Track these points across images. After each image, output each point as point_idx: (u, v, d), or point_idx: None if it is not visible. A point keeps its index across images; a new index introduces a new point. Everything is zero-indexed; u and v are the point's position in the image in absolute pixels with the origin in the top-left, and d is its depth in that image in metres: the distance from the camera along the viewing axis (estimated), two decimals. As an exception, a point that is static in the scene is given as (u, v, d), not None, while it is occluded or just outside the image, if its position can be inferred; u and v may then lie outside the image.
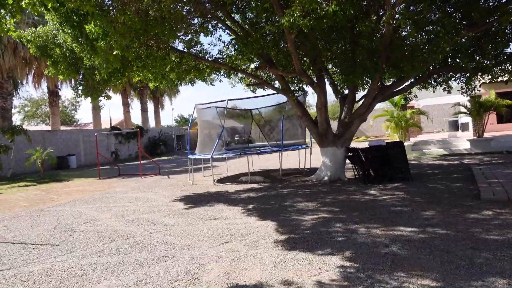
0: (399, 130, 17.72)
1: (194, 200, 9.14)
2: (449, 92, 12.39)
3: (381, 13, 8.35)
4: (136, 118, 72.11)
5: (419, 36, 7.15)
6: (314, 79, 9.65)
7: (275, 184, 10.83)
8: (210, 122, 15.40)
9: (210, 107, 14.51)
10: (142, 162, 23.75)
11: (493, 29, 8.17)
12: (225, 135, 14.63)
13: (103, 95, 10.37)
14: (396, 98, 15.47)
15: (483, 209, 6.23)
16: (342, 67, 7.71)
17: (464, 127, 23.72)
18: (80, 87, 10.10)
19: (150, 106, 40.30)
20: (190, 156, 13.11)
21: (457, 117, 29.80)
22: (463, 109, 17.58)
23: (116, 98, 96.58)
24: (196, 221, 6.94)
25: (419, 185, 8.93)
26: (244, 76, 11.47)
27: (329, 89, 11.31)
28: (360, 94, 11.48)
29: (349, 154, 10.69)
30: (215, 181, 12.66)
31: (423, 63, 7.60)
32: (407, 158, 9.91)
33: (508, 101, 16.03)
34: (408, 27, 6.03)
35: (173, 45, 10.35)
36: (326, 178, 10.46)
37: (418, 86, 10.99)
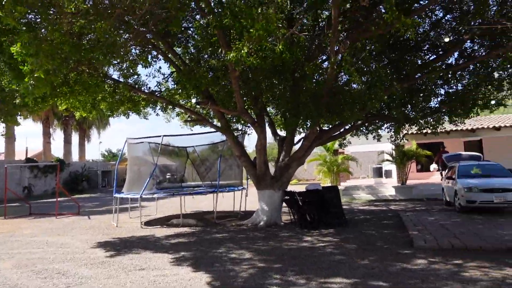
0: (331, 175, 18.26)
1: (118, 246, 8.12)
2: (378, 140, 13.10)
3: (324, 58, 8.63)
4: (58, 150, 66.49)
5: (358, 84, 7.45)
6: (255, 119, 9.52)
7: (209, 228, 10.17)
8: (141, 158, 14.43)
9: (142, 142, 13.64)
10: (60, 199, 21.41)
11: (420, 84, 8.87)
12: (157, 173, 13.74)
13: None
14: (329, 143, 16.02)
15: (418, 258, 6.26)
16: (285, 108, 7.67)
17: (388, 174, 25.27)
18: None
19: (75, 138, 37.46)
20: (116, 195, 11.97)
21: (381, 164, 32.02)
22: (388, 157, 18.74)
23: (37, 127, 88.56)
24: (118, 272, 6.04)
25: (354, 231, 8.94)
26: (182, 111, 11.00)
27: (268, 131, 11.26)
28: (297, 136, 11.60)
29: (286, 197, 10.52)
30: (143, 223, 11.60)
31: (362, 110, 7.85)
32: (341, 203, 9.99)
33: (427, 151, 17.44)
34: (350, 75, 6.22)
35: (107, 73, 9.64)
36: (262, 222, 10.09)
37: (352, 132, 11.42)
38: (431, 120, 10.46)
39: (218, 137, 13.16)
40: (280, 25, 6.64)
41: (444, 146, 17.95)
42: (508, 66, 9.11)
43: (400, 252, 6.75)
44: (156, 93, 10.14)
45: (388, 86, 7.23)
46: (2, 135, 25.29)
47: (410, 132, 16.85)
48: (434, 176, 20.34)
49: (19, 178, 25.68)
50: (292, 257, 6.60)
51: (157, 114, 11.18)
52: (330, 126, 9.73)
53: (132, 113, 13.31)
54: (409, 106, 9.56)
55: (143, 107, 11.17)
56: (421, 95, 8.94)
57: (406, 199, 16.30)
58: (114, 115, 12.65)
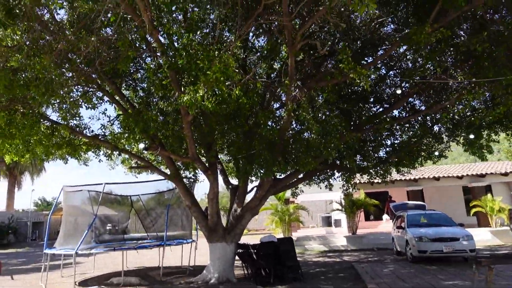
0: (282, 225, 17.86)
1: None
2: (330, 189, 13.10)
3: (277, 106, 8.54)
4: (-18, 198, 60.02)
5: (310, 133, 7.43)
6: (207, 166, 9.03)
7: (157, 287, 9.13)
8: (79, 207, 13.09)
9: (81, 190, 12.44)
10: (-23, 256, 18.66)
11: (370, 134, 9.10)
12: (97, 224, 12.47)
13: None
14: (280, 192, 15.80)
15: (381, 315, 5.90)
16: (239, 156, 7.33)
17: (337, 223, 25.42)
18: None
19: (4, 184, 33.95)
20: (47, 251, 10.54)
21: (329, 213, 32.32)
22: (338, 206, 18.85)
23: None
24: None
25: (311, 286, 8.45)
26: (128, 157, 10.25)
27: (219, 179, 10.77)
28: (250, 185, 11.18)
29: (239, 250, 9.88)
30: (77, 283, 10.20)
31: (317, 158, 7.73)
32: (296, 256, 9.55)
33: (375, 200, 17.82)
34: (306, 122, 6.13)
35: (44, 113, 8.79)
36: (213, 279, 9.27)
37: (304, 182, 11.29)
38: (380, 170, 10.68)
39: (165, 185, 12.40)
40: (237, 70, 6.50)
41: (390, 196, 18.53)
42: (448, 119, 9.69)
43: (362, 309, 6.36)
44: (100, 137, 9.39)
45: (341, 135, 7.26)
46: None
47: (359, 181, 17.22)
48: (382, 225, 20.71)
49: None
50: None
51: (100, 161, 10.31)
52: (284, 175, 9.52)
53: (71, 157, 12.27)
54: (360, 156, 9.72)
55: (83, 152, 10.26)
56: (371, 145, 9.15)
57: (357, 249, 16.23)
58: (50, 160, 11.54)
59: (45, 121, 8.97)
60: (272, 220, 18.19)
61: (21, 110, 8.17)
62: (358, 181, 17.39)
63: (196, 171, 10.83)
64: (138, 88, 9.78)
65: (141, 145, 7.78)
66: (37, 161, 31.73)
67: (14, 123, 7.95)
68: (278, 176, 9.29)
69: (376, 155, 10.45)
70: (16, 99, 7.48)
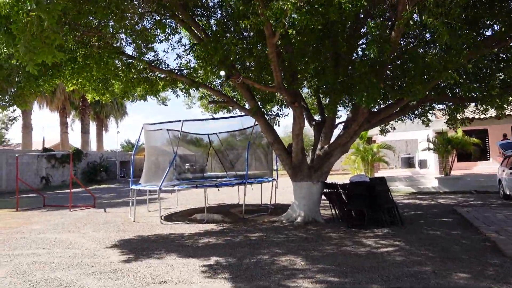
0: (364, 165, 16.67)
1: (134, 248, 6.88)
2: (427, 125, 11.46)
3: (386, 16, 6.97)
4: (76, 140, 66.72)
5: (427, 48, 5.93)
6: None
7: (239, 225, 8.85)
8: (159, 147, 13.22)
9: (161, 129, 12.38)
10: (77, 190, 20.58)
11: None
12: (177, 162, 12.50)
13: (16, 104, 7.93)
14: (374, 127, 14.37)
15: (520, 272, 4.76)
16: (334, 82, 6.13)
17: (423, 164, 23.45)
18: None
19: (93, 128, 36.82)
20: (133, 187, 10.79)
21: (409, 153, 30.02)
22: (425, 145, 16.96)
23: (54, 117, 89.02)
24: (133, 286, 4.77)
25: (413, 231, 7.44)
26: (207, 92, 9.62)
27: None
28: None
29: (326, 190, 9.10)
30: (163, 218, 10.40)
31: (431, 83, 6.24)
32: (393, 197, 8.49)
33: (475, 139, 15.65)
34: (434, 31, 4.70)
35: (119, 48, 8.34)
36: (299, 219, 8.70)
37: (399, 116, 9.81)
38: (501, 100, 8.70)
39: (243, 122, 11.79)
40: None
41: (505, 134, 16.11)
42: None
43: (489, 261, 5.25)
44: (176, 71, 8.79)
45: (470, 51, 5.65)
46: (10, 119, 24.71)
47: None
48: (478, 167, 18.50)
49: (36, 169, 25.04)
50: (355, 267, 5.18)
51: (177, 96, 9.83)
52: (382, 106, 8.19)
53: (149, 96, 12.08)
54: (478, 81, 7.85)
55: (161, 89, 9.84)
56: (500, 66, 7.18)
57: (452, 191, 14.63)
58: (130, 100, 11.44)
59: (121, 56, 8.57)
60: (354, 160, 17.04)
61: (96, 44, 7.78)
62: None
63: (277, 106, 9.95)
64: (212, 17, 8.84)
65: (222, 72, 6.96)
66: (118, 102, 33.50)
67: (91, 55, 7.60)
68: (373, 109, 8.00)
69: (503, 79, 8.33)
70: (90, 29, 7.01)
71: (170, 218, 10.75)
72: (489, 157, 18.89)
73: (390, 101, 7.59)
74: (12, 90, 8.51)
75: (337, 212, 8.95)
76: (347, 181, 8.86)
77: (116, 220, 10.44)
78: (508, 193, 11.36)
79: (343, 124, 9.39)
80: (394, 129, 11.59)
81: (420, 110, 10.05)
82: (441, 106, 9.99)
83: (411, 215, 9.50)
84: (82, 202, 15.14)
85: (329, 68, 6.64)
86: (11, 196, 19.00)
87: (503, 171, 11.74)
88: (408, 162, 27.71)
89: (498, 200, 11.75)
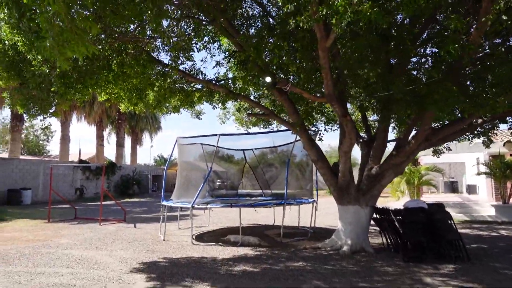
0: (410, 188, 15.37)
1: (163, 273, 6.19)
2: (487, 146, 10.24)
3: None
4: (111, 153, 68.62)
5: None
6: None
7: (277, 251, 8.00)
8: (192, 163, 12.70)
9: (195, 143, 11.88)
10: (108, 203, 20.46)
11: None
12: (212, 178, 11.91)
13: (50, 111, 7.60)
14: (433, 147, 13.12)
15: None
16: (402, 91, 5.23)
17: (472, 189, 21.67)
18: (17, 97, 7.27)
19: (128, 142, 37.34)
20: (165, 203, 10.23)
21: (453, 177, 27.97)
22: (477, 169, 15.45)
23: (91, 130, 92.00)
24: (161, 324, 4.04)
25: (485, 269, 6.31)
26: (244, 103, 8.99)
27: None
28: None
29: (377, 216, 8.11)
30: (194, 238, 9.72)
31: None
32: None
33: (538, 163, 14.04)
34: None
35: (155, 57, 7.92)
36: (345, 247, 7.73)
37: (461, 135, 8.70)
38: None
39: (282, 138, 11.05)
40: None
41: None
42: None
43: None
44: (213, 81, 8.25)
45: None
46: (42, 128, 25.31)
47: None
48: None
49: (72, 180, 25.33)
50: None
51: (214, 107, 9.26)
52: (445, 123, 7.18)
53: (184, 108, 11.66)
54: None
55: (196, 100, 9.32)
56: None
57: (511, 221, 13.07)
58: (164, 112, 11.08)
59: (157, 65, 8.16)
60: (398, 183, 15.77)
61: (132, 52, 7.39)
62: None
63: (314, 122, 9.15)
64: (252, 27, 8.29)
65: (268, 78, 6.27)
66: (152, 116, 33.80)
67: (126, 63, 7.19)
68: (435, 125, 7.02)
69: None
70: (125, 34, 6.60)
71: (202, 238, 10.06)
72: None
73: (459, 115, 6.57)
74: (44, 98, 8.21)
75: (389, 241, 7.92)
76: (397, 206, 7.85)
77: (145, 237, 9.87)
78: None
79: (393, 142, 8.44)
80: (450, 149, 10.43)
81: (483, 129, 8.92)
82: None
83: (474, 249, 8.26)
84: (113, 216, 14.80)
85: (394, 75, 5.78)
86: (46, 206, 19.09)
87: None
88: (452, 187, 25.78)
89: None
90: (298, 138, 9.42)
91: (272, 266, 6.58)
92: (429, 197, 20.50)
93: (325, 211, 14.29)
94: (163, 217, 10.35)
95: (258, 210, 15.23)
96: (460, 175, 27.96)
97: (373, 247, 7.96)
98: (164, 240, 9.48)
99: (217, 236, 10.11)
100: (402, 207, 7.90)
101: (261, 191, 12.48)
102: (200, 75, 8.61)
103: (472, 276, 5.87)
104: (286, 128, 9.11)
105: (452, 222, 7.33)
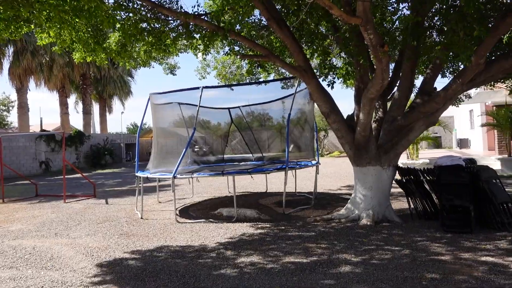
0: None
1: (141, 270, 4.58)
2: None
3: None
4: (78, 123, 64.85)
5: None
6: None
7: (283, 226, 6.51)
8: (169, 128, 10.83)
9: (171, 102, 9.99)
10: (78, 176, 18.45)
11: None
12: (197, 141, 10.18)
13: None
14: (478, 86, 11.36)
15: None
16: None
17: (464, 143, 20.94)
18: None
19: (96, 109, 34.54)
20: (140, 174, 8.50)
21: (436, 133, 27.30)
22: (480, 120, 14.36)
23: (54, 97, 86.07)
24: None
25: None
26: (235, 42, 7.08)
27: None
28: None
29: (402, 178, 6.71)
30: (178, 213, 8.13)
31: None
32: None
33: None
34: None
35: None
36: (365, 218, 6.34)
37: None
38: None
39: (268, 93, 9.37)
40: None
41: None
42: None
43: None
44: (194, 14, 6.28)
45: None
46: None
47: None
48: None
49: (35, 153, 22.90)
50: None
51: (196, 48, 7.28)
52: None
53: (157, 61, 9.72)
54: None
55: (171, 44, 7.29)
56: None
57: (519, 175, 12.18)
58: (132, 67, 9.12)
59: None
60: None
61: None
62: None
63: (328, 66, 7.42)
64: None
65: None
66: (121, 81, 31.04)
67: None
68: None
69: None
70: None
71: (187, 212, 8.48)
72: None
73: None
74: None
75: (418, 207, 6.57)
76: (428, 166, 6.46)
77: (118, 216, 8.19)
78: None
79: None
80: (470, 97, 9.04)
81: None
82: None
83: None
84: (82, 191, 12.98)
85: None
86: (6, 183, 16.89)
87: None
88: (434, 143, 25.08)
89: None
90: (299, 88, 7.75)
91: (286, 251, 5.07)
92: (424, 154, 19.61)
93: (321, 173, 12.95)
94: (139, 190, 8.66)
95: (243, 176, 13.69)
96: (442, 130, 27.40)
97: (399, 217, 6.60)
98: (142, 218, 7.84)
99: (206, 210, 8.55)
100: (433, 166, 6.51)
101: (251, 155, 10.87)
102: (175, 4, 6.64)
103: (546, 250, 4.58)
104: (285, 77, 7.43)
105: (500, 182, 6.01)
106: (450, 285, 3.63)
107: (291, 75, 8.33)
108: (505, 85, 8.84)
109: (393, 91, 7.05)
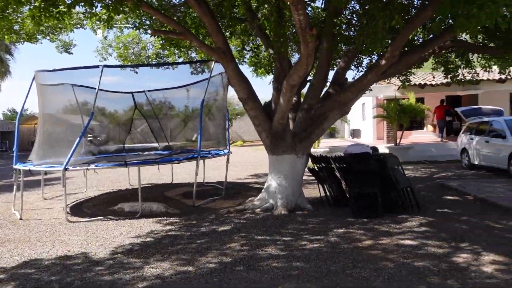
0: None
1: None
2: (404, 86, 9.80)
3: None
4: None
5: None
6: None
7: (195, 220, 6.00)
8: (58, 115, 9.30)
9: (62, 83, 8.57)
10: None
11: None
12: (92, 129, 8.93)
13: None
14: (390, 77, 11.73)
15: None
16: None
17: (356, 133, 22.81)
18: None
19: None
20: (19, 166, 7.08)
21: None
22: (380, 112, 15.56)
23: None
24: None
25: (442, 218, 5.54)
26: (148, 14, 6.17)
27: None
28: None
29: (315, 166, 6.75)
30: (69, 210, 6.99)
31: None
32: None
33: (427, 106, 14.79)
34: None
35: None
36: (280, 207, 6.21)
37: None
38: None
39: (186, 76, 8.70)
40: None
41: (443, 99, 15.65)
42: None
43: None
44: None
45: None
46: None
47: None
48: (413, 135, 17.98)
49: None
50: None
51: (100, 19, 6.17)
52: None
53: (46, 36, 8.32)
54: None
55: (66, 12, 6.06)
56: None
57: (404, 162, 13.59)
58: (13, 41, 7.66)
59: None
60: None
61: None
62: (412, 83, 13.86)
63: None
64: None
65: None
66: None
67: None
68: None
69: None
70: None
71: (80, 209, 7.40)
72: (424, 126, 18.64)
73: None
74: None
75: (328, 194, 6.68)
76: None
77: (-11, 218, 6.72)
78: (476, 163, 10.45)
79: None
80: (371, 89, 9.61)
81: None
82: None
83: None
84: None
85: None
86: None
87: (471, 139, 10.76)
88: (329, 132, 26.94)
89: (464, 170, 10.80)
90: (214, 73, 7.26)
91: (203, 248, 4.60)
92: (327, 142, 20.79)
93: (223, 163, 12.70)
94: (18, 185, 7.23)
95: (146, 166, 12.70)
96: (338, 120, 29.62)
97: (311, 204, 6.63)
98: (21, 219, 6.55)
99: (103, 206, 7.56)
100: (343, 154, 6.69)
101: (157, 144, 10.01)
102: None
103: (441, 227, 4.95)
104: (199, 60, 6.86)
105: (402, 168, 6.42)
106: (372, 272, 3.60)
107: (204, 59, 7.78)
108: (399, 79, 9.64)
109: (307, 80, 7.04)
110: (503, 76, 13.69)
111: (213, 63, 7.13)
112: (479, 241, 4.40)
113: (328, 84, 6.94)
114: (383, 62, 5.27)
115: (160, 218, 6.18)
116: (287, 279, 3.53)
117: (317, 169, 6.69)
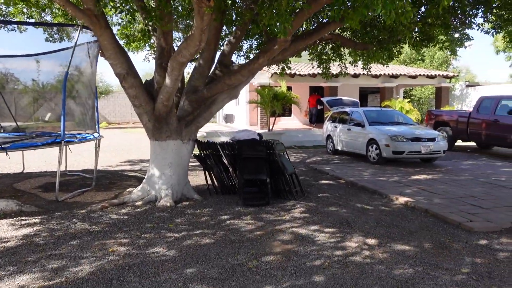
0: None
1: None
2: (325, 73, 10.07)
3: None
4: None
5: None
6: None
7: (62, 220, 4.94)
8: None
9: None
10: None
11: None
12: None
13: None
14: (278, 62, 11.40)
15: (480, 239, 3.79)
16: None
17: (229, 118, 23.09)
18: None
19: None
20: None
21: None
22: (255, 98, 15.92)
23: None
24: None
25: (325, 202, 5.84)
26: None
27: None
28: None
29: (201, 152, 6.35)
30: None
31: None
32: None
33: (296, 94, 15.76)
34: None
35: None
36: (165, 198, 5.65)
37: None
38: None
39: (39, 43, 7.13)
40: None
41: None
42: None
43: (451, 239, 4.13)
44: None
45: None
46: None
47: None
48: (281, 122, 19.16)
49: None
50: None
51: None
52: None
53: None
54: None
55: None
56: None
57: (276, 147, 14.35)
58: None
59: None
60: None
61: None
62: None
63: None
64: None
65: None
66: None
67: None
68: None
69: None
70: None
71: None
72: (291, 113, 20.03)
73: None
74: None
75: (218, 182, 6.38)
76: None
77: None
78: (339, 148, 11.63)
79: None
80: (289, 68, 9.60)
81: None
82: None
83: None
84: None
85: None
86: None
87: (335, 127, 11.90)
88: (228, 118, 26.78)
89: (330, 155, 11.91)
90: (80, 41, 6.09)
91: (76, 256, 3.74)
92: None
93: (87, 149, 11.21)
94: None
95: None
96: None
97: (198, 194, 6.22)
98: None
99: None
100: (231, 140, 6.45)
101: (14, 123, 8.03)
102: None
103: (326, 212, 5.19)
104: (58, 23, 5.60)
105: (287, 154, 6.53)
106: (278, 266, 3.46)
107: (66, 23, 6.45)
108: (277, 67, 9.90)
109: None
110: (357, 72, 15.69)
111: (78, 29, 5.99)
112: (362, 225, 4.74)
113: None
114: (277, 46, 5.17)
115: (12, 219, 4.91)
116: (189, 283, 3.09)
117: (203, 156, 6.31)
